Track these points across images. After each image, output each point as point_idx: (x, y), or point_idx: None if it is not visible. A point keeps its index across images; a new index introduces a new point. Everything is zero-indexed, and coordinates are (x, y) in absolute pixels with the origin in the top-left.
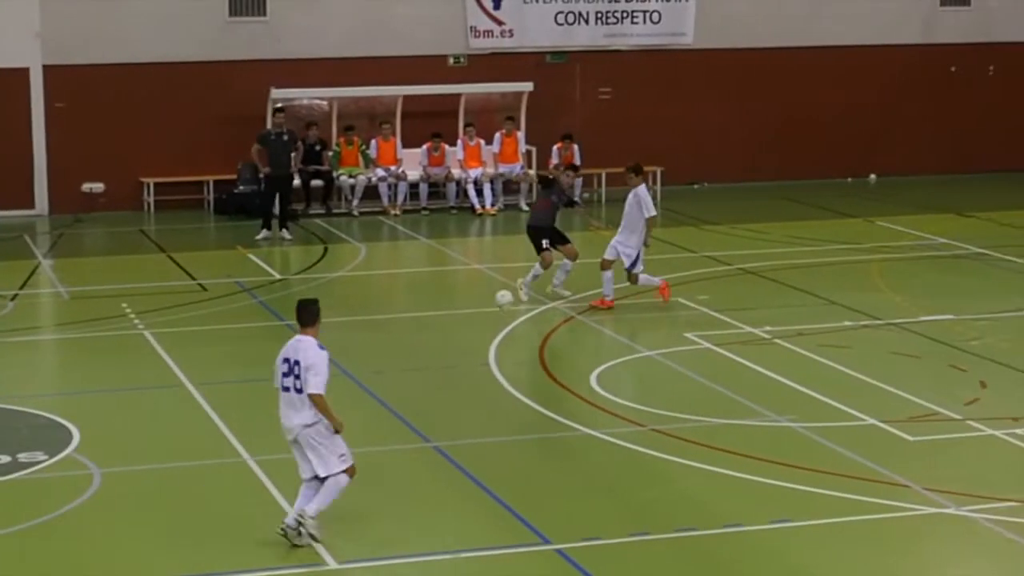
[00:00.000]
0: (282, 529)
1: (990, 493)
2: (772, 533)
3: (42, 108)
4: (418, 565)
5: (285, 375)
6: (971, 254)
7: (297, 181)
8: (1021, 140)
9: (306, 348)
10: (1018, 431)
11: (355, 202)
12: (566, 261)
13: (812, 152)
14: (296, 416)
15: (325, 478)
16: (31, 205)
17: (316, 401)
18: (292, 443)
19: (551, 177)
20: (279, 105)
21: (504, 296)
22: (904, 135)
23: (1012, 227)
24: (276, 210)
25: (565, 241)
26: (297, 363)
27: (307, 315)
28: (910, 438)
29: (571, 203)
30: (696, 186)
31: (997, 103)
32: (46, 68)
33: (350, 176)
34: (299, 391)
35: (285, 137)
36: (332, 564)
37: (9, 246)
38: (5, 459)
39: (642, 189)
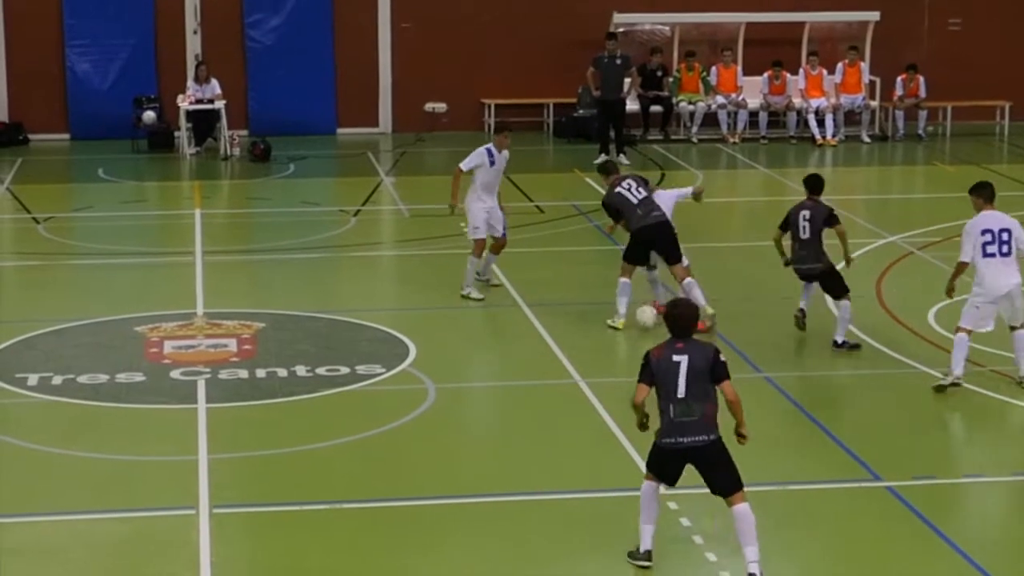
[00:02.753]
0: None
1: None
2: None
3: (388, 28)
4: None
5: (989, 243)
6: None
7: (636, 106)
8: None
9: (1004, 216)
10: None
11: (694, 129)
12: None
13: None
14: (1014, 276)
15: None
16: (375, 123)
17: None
18: (997, 300)
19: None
20: (611, 30)
21: (645, 313)
22: None
23: None
24: (612, 135)
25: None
26: (1005, 231)
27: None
28: None
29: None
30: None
31: None
32: None
33: (689, 103)
34: (1006, 255)
35: (618, 61)
36: (661, 490)
37: (353, 163)
38: (344, 370)
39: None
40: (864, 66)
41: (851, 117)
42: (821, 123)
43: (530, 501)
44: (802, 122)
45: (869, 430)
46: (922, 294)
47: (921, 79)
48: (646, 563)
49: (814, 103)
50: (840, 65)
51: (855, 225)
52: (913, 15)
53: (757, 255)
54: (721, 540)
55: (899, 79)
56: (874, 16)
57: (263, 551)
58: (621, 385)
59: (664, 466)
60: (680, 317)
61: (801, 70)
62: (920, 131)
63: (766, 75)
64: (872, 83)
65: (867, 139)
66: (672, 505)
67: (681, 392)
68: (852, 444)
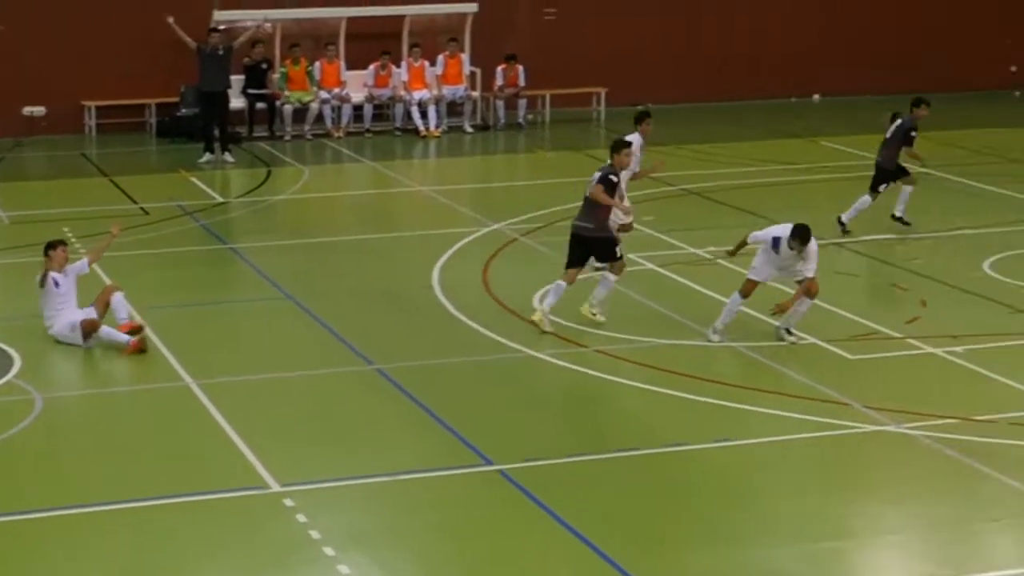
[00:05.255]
0: None
1: (929, 410)
2: (716, 452)
3: None
4: (360, 487)
5: None
6: (914, 174)
7: (241, 104)
8: (961, 60)
9: None
10: (957, 349)
11: (307, 126)
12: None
13: (757, 72)
14: None
15: None
16: None
17: None
18: None
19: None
20: (213, 26)
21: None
22: (846, 54)
23: (955, 147)
24: (217, 133)
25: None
26: None
27: None
28: (851, 357)
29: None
30: (640, 107)
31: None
32: None
33: (300, 102)
34: None
35: (220, 52)
36: (275, 487)
37: None
38: None
39: None
40: (465, 57)
41: (454, 108)
42: (424, 115)
43: (146, 507)
44: (406, 114)
45: (481, 415)
46: (527, 279)
47: (520, 68)
48: None
49: (417, 95)
50: (441, 57)
51: (458, 214)
52: (509, 6)
53: (365, 248)
54: (339, 534)
55: (499, 69)
56: (472, 8)
57: None
58: (232, 384)
59: None
60: None
61: (404, 62)
62: (520, 119)
63: (373, 66)
64: (473, 74)
65: (470, 129)
66: (288, 503)
67: None
68: (464, 430)
